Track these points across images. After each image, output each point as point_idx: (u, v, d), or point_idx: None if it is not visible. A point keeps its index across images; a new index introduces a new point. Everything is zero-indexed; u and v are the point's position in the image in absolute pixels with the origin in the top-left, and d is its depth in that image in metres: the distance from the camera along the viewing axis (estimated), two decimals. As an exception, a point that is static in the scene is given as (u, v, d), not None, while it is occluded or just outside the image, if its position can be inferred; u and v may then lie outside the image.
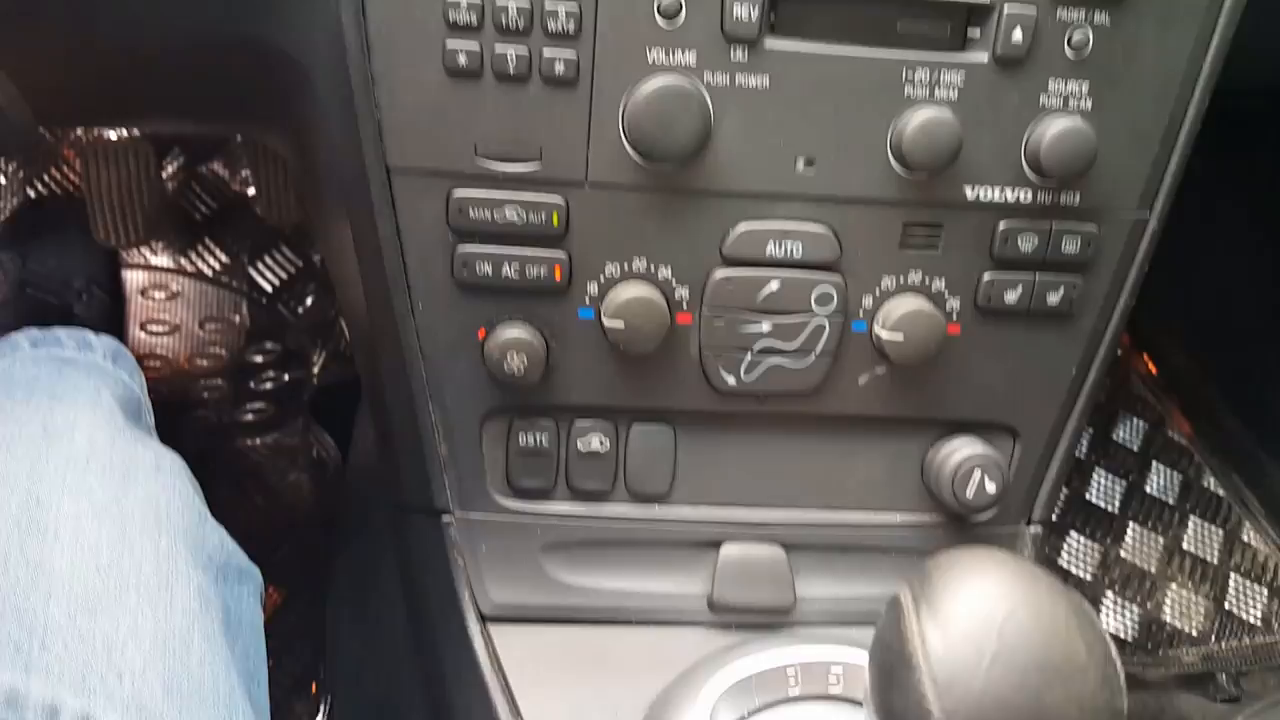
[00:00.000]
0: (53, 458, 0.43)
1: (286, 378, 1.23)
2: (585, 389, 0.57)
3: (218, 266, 1.25)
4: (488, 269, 0.54)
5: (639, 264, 0.55)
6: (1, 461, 0.43)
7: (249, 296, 1.25)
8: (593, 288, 0.55)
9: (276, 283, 1.26)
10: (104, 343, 0.56)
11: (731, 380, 0.56)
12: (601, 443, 0.58)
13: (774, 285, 0.55)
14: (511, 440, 0.58)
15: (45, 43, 0.57)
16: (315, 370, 1.24)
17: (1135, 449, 1.21)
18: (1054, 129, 0.52)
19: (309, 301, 1.26)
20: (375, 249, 0.55)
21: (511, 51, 0.50)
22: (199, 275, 1.25)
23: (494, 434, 0.58)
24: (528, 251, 0.54)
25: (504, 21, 0.50)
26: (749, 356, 0.56)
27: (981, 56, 0.52)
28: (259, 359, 1.24)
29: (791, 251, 0.54)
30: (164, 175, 1.20)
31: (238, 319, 1.25)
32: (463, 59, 0.50)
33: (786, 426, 0.59)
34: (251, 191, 1.25)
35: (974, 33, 0.53)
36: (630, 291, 0.54)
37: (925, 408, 0.59)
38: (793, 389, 0.57)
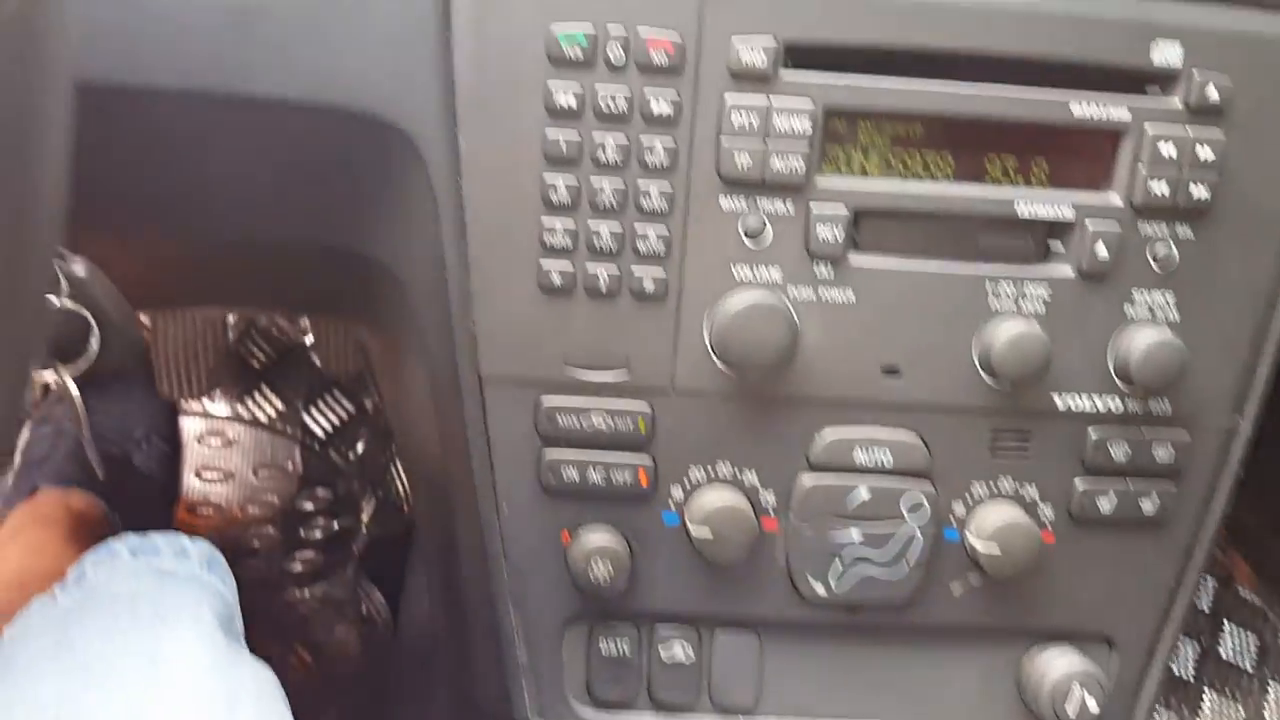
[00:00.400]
0: (160, 693, 0.43)
1: (336, 526, 1.23)
2: (669, 595, 0.56)
3: (273, 413, 1.27)
4: (574, 474, 0.54)
5: (724, 469, 0.55)
6: (111, 693, 0.43)
7: (302, 442, 1.27)
8: (677, 492, 0.55)
9: (330, 428, 1.27)
10: (199, 549, 0.56)
11: (821, 590, 0.55)
12: (685, 651, 0.57)
13: (863, 493, 0.54)
14: (592, 648, 0.57)
15: (157, 247, 0.59)
16: (365, 518, 1.23)
17: (1206, 609, 1.16)
18: (1142, 341, 0.52)
19: (360, 447, 1.27)
20: (463, 453, 0.55)
21: (603, 271, 0.52)
22: (254, 422, 1.26)
23: (574, 640, 0.57)
24: (613, 457, 0.54)
25: (597, 245, 0.51)
26: (839, 566, 0.55)
27: (1066, 270, 0.53)
28: (309, 506, 1.24)
29: (881, 459, 0.54)
30: (226, 327, 1.23)
31: (290, 465, 1.26)
32: (557, 278, 0.52)
33: (876, 636, 0.57)
34: (309, 339, 1.28)
35: (1056, 245, 0.53)
36: (717, 499, 0.53)
37: (1019, 617, 0.57)
38: (885, 599, 0.55)
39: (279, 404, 1.27)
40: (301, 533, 1.22)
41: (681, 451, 0.54)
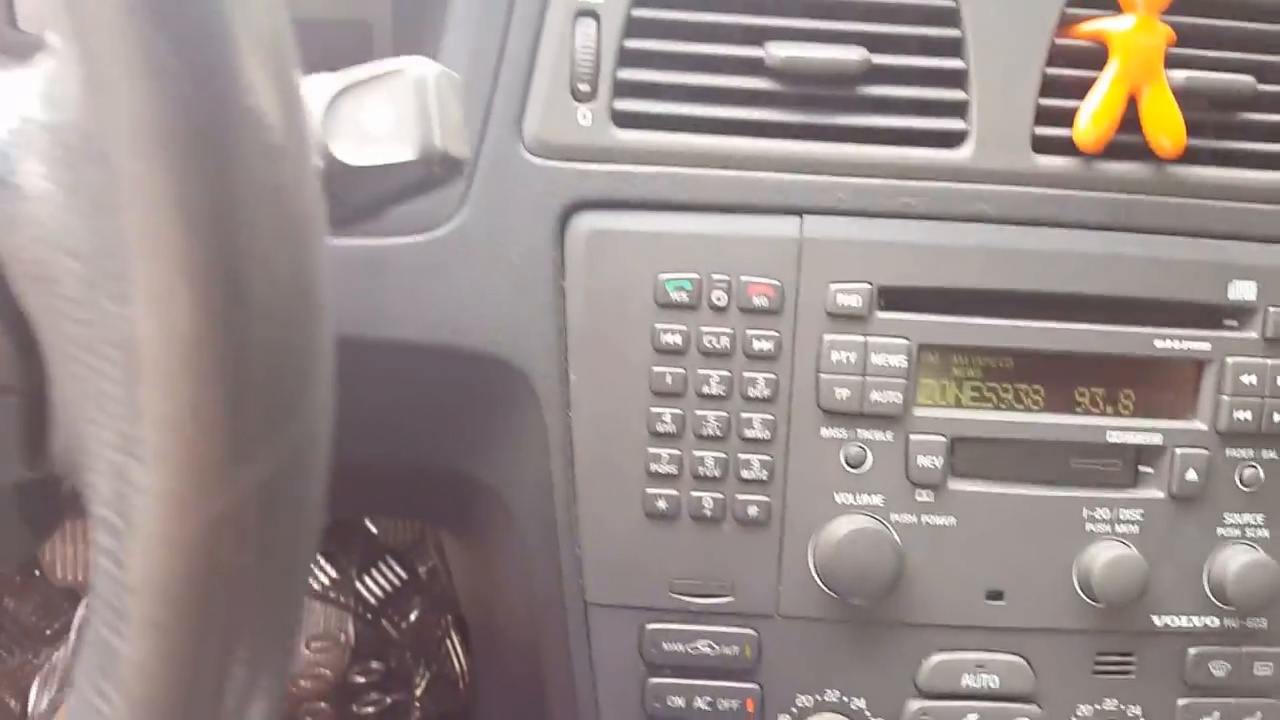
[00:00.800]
0: None
1: (389, 700, 1.21)
2: (776, 827, 0.55)
3: (327, 581, 1.27)
4: (679, 702, 0.54)
5: (832, 695, 0.55)
6: None
7: (355, 611, 1.26)
8: None
9: (381, 595, 1.27)
10: None
11: (932, 819, 0.55)
12: None
13: (972, 719, 0.54)
14: None
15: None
16: (418, 693, 1.22)
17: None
18: (1236, 562, 0.53)
19: (413, 617, 1.26)
20: (565, 680, 0.56)
21: (708, 498, 0.54)
22: (309, 592, 1.26)
23: None
24: (719, 684, 0.55)
25: (702, 472, 0.53)
26: (949, 795, 0.55)
27: (1157, 493, 0.55)
28: (361, 679, 1.23)
29: (988, 684, 0.54)
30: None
31: (343, 637, 1.25)
32: (662, 505, 0.54)
33: None
34: (366, 507, 1.29)
35: (1146, 469, 0.55)
36: None
37: (1132, 843, 0.56)
38: None
39: (333, 572, 1.27)
40: (354, 709, 1.21)
41: (788, 678, 0.55)
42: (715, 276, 0.53)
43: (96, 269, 0.23)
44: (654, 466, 0.53)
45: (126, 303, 0.22)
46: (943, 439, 0.53)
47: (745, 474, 0.53)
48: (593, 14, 0.53)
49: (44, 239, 0.24)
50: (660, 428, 0.53)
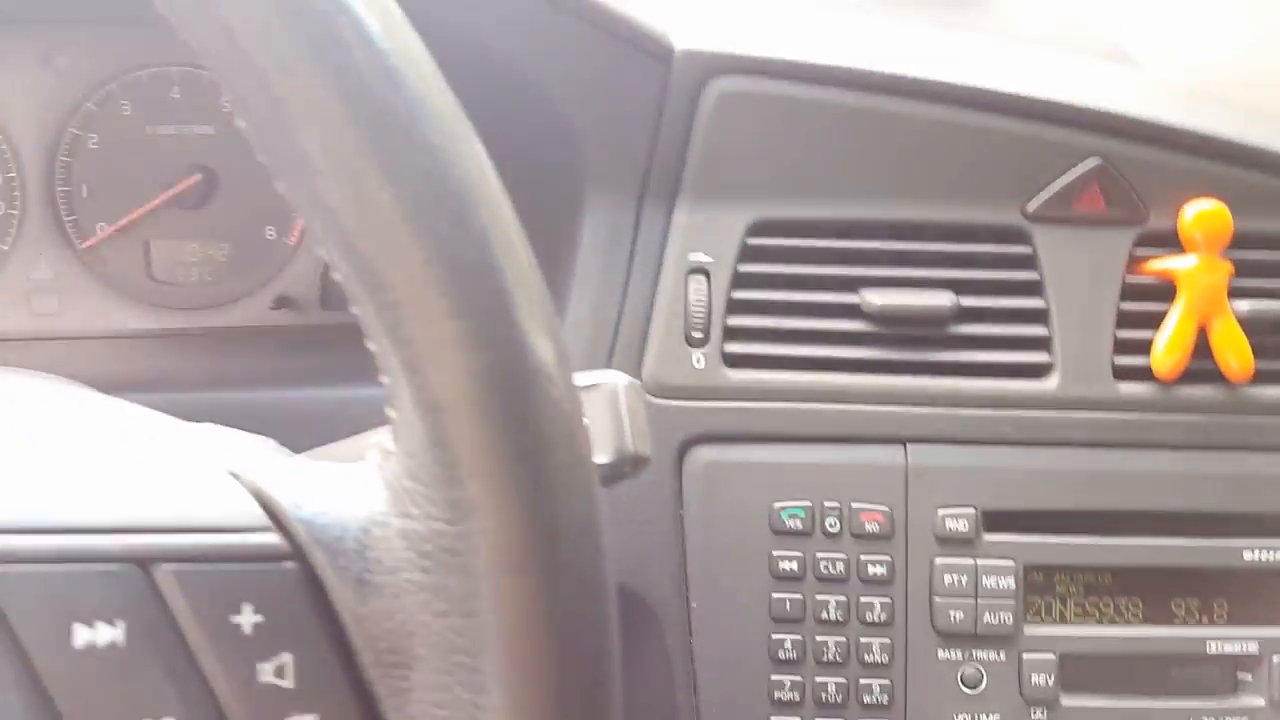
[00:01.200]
0: None
1: None
2: None
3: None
4: None
5: None
6: None
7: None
8: None
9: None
10: None
11: None
12: None
13: None
14: None
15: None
16: None
17: None
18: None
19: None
20: None
21: None
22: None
23: None
24: None
25: (825, 699, 0.55)
26: None
27: (1259, 701, 0.57)
28: None
29: None
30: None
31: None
32: None
33: None
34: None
35: (1244, 676, 0.57)
36: None
37: None
38: None
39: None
40: None
41: None
42: (827, 504, 0.56)
43: (452, 661, 0.25)
44: (777, 694, 0.55)
45: (483, 693, 0.24)
46: (1052, 656, 0.56)
47: (867, 698, 0.55)
48: (703, 271, 0.57)
49: (398, 632, 0.26)
50: (782, 654, 0.55)
